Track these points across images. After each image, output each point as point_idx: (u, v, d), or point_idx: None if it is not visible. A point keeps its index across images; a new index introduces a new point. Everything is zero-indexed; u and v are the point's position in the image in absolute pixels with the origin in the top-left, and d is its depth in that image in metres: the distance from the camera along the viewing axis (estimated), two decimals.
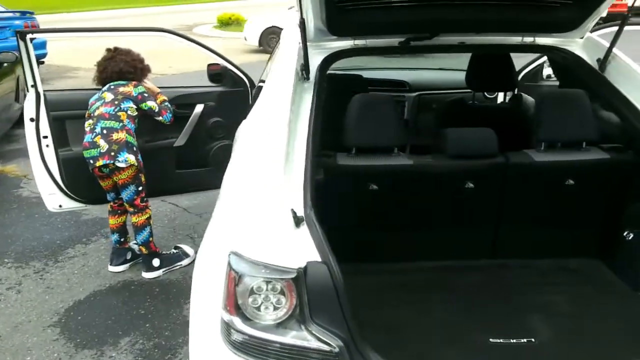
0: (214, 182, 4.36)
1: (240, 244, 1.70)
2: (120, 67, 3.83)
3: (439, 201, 2.40)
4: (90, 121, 3.75)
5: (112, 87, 3.80)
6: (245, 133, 2.47)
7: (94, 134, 3.66)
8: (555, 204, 2.44)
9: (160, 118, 3.87)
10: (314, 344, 1.62)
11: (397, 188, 2.37)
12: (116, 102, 3.72)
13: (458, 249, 2.45)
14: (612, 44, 2.50)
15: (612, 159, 2.40)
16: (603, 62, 2.52)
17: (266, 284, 1.65)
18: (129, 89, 3.77)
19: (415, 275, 2.24)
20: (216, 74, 4.37)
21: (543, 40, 2.69)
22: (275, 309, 1.66)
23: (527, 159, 2.38)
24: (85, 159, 3.71)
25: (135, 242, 4.05)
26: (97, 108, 3.73)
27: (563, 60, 2.67)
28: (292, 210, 1.76)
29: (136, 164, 3.70)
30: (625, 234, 2.37)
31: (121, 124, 3.69)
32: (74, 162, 3.96)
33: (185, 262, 4.13)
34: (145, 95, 3.81)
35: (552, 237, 2.47)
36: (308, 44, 2.56)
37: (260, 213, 1.79)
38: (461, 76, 4.68)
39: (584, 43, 2.70)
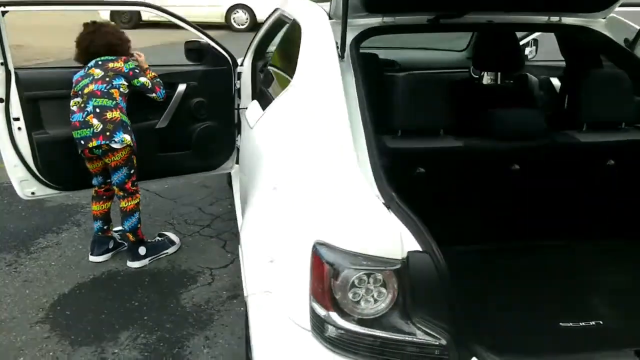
0: (198, 165, 4.24)
1: (333, 236, 1.58)
2: (108, 39, 3.58)
3: (486, 183, 2.36)
4: (79, 99, 3.48)
5: (99, 62, 3.54)
6: (286, 120, 2.29)
7: (85, 112, 3.41)
8: (597, 185, 2.45)
9: (154, 95, 3.65)
10: (420, 337, 1.55)
11: (445, 171, 2.31)
12: (107, 79, 3.47)
13: (506, 231, 2.42)
14: None
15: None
16: (634, 41, 2.54)
17: (367, 276, 1.55)
18: (119, 64, 3.53)
19: (466, 258, 2.19)
20: (195, 51, 4.16)
21: (569, 20, 2.69)
22: (376, 301, 1.57)
23: (572, 139, 2.38)
24: (75, 140, 3.45)
25: (121, 228, 3.82)
26: (86, 85, 3.46)
27: (590, 40, 2.67)
28: (379, 197, 1.67)
29: (132, 144, 3.47)
30: None
31: (114, 102, 3.45)
32: (49, 146, 3.68)
33: (171, 250, 3.94)
34: (137, 71, 3.57)
35: (596, 217, 2.48)
36: (332, 21, 2.45)
37: (347, 202, 1.68)
38: (446, 55, 4.71)
39: (606, 23, 2.72)
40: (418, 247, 1.55)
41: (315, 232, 1.63)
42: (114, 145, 3.41)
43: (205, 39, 4.03)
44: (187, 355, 2.97)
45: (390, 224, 1.55)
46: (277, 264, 1.81)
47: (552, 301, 2.10)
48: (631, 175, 2.43)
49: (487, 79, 4.01)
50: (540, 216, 2.44)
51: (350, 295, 1.55)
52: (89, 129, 3.39)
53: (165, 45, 10.59)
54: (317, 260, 1.60)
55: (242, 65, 4.21)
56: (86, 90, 3.46)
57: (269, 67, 2.95)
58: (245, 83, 4.23)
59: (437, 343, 1.54)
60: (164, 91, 3.71)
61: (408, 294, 1.55)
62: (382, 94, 2.37)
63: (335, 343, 1.58)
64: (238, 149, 4.36)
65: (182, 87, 3.96)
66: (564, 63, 3.67)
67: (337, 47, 2.33)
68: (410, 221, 1.59)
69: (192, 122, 4.08)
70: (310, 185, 1.83)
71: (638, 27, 2.64)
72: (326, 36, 2.34)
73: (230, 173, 4.46)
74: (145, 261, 3.79)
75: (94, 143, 3.39)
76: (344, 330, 1.57)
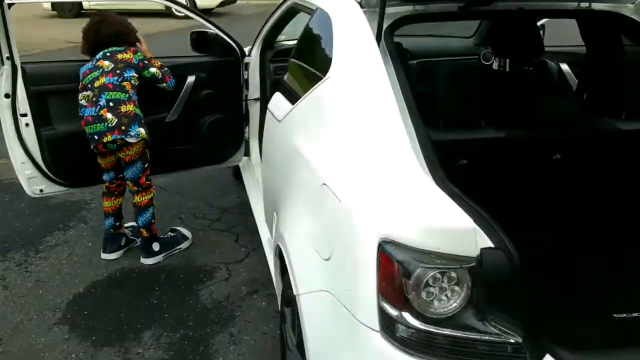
0: (208, 158, 4.16)
1: (403, 233, 1.53)
2: (116, 28, 3.49)
3: (528, 174, 2.33)
4: (88, 93, 3.39)
5: (107, 54, 3.44)
6: (328, 113, 2.21)
7: (98, 106, 3.31)
8: (637, 173, 2.43)
9: (165, 84, 3.58)
10: (494, 336, 1.51)
11: (487, 162, 2.27)
12: (118, 72, 3.37)
13: (548, 221, 2.39)
14: None
15: None
16: None
17: (441, 275, 1.51)
18: (129, 55, 3.43)
19: None
20: (201, 41, 4.07)
21: (598, 5, 2.66)
22: (449, 300, 1.53)
23: (613, 127, 2.35)
24: (88, 135, 3.36)
25: (133, 224, 3.74)
26: (97, 78, 3.37)
27: (620, 26, 2.65)
28: (443, 191, 1.63)
29: (147, 137, 3.39)
30: None
31: (127, 95, 3.36)
32: (57, 142, 3.59)
33: (184, 245, 3.88)
34: (146, 62, 3.49)
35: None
36: (365, 9, 2.39)
37: (414, 198, 1.63)
38: (454, 42, 4.65)
39: (635, 9, 2.69)
40: (490, 244, 1.52)
41: (379, 230, 1.58)
42: (130, 140, 3.33)
43: (213, 29, 3.94)
44: (214, 353, 2.92)
45: (464, 220, 1.51)
46: (334, 263, 1.77)
47: (603, 292, 2.08)
48: None
49: (496, 65, 3.99)
50: (583, 206, 2.41)
51: (423, 294, 1.51)
52: (103, 124, 3.30)
53: None
54: (385, 259, 1.56)
55: (249, 55, 4.13)
56: (97, 84, 3.36)
57: (293, 59, 2.87)
58: (253, 74, 4.16)
59: (512, 341, 1.50)
60: (173, 80, 3.64)
61: (482, 291, 1.51)
62: (417, 84, 2.32)
63: (408, 343, 1.53)
64: (246, 141, 4.30)
65: (191, 79, 3.88)
66: (570, 49, 3.66)
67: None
68: (481, 217, 1.55)
69: (202, 115, 4.01)
70: (367, 180, 1.77)
71: None
72: (363, 26, 2.27)
73: (238, 165, 4.39)
74: (160, 257, 3.72)
75: (109, 138, 3.31)
76: (416, 330, 1.53)
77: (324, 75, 2.30)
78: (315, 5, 2.82)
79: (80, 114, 3.45)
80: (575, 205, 2.41)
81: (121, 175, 3.62)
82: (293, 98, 2.61)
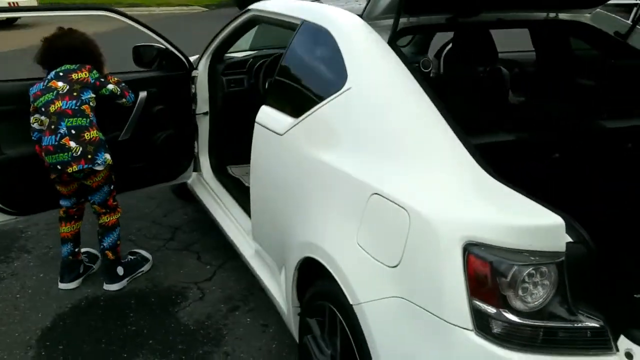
0: (160, 176, 4.02)
1: (493, 235, 1.61)
2: (74, 44, 3.29)
3: (536, 175, 2.47)
4: (43, 118, 3.16)
5: (60, 74, 3.23)
6: (358, 123, 2.22)
7: (58, 135, 3.10)
8: (616, 167, 2.64)
9: (124, 100, 3.44)
10: (583, 323, 1.63)
11: (497, 165, 2.39)
12: (75, 94, 3.18)
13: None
14: (637, 14, 2.79)
15: None
16: (626, 34, 2.80)
17: (535, 271, 1.60)
18: (84, 74, 3.24)
19: None
20: (147, 56, 3.94)
21: (563, 15, 2.90)
22: (541, 293, 1.62)
23: (601, 126, 2.56)
24: (50, 165, 3.14)
25: (89, 249, 3.55)
26: (51, 102, 3.15)
27: (584, 33, 2.90)
28: (511, 190, 1.73)
29: (111, 162, 3.23)
30: None
31: (88, 119, 3.18)
32: (4, 168, 3.32)
33: (146, 267, 3.72)
34: (102, 79, 3.32)
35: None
36: (365, 21, 2.47)
37: (492, 198, 1.72)
38: None
39: (593, 17, 2.96)
40: (569, 238, 1.63)
41: (463, 233, 1.65)
42: (97, 168, 3.17)
43: (163, 42, 3.83)
44: None
45: (553, 217, 1.61)
46: (405, 269, 1.80)
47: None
48: None
49: (434, 72, 4.21)
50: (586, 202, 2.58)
51: (520, 291, 1.60)
52: (66, 153, 3.11)
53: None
54: (475, 261, 1.63)
55: (196, 68, 4.05)
56: (53, 109, 3.15)
57: (283, 72, 2.84)
58: (201, 87, 4.08)
59: (593, 325, 1.62)
60: (132, 94, 3.51)
61: (567, 283, 1.62)
62: None
63: (504, 338, 1.61)
64: (196, 157, 4.21)
65: (143, 95, 3.74)
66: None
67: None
68: (560, 212, 1.66)
69: (155, 131, 3.87)
70: (433, 186, 1.83)
71: (624, 21, 2.90)
72: (374, 37, 2.35)
73: (184, 183, 4.27)
74: (124, 282, 3.55)
75: (75, 168, 3.12)
76: (512, 324, 1.61)
77: (340, 86, 2.33)
78: (299, 18, 2.84)
79: (33, 137, 3.23)
80: (576, 200, 2.60)
81: (82, 200, 3.42)
82: (294, 111, 2.61)
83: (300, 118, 2.53)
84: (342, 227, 2.10)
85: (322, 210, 2.25)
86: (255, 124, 2.87)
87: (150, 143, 3.85)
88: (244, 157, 4.50)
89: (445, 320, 1.68)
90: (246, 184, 4.20)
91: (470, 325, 1.64)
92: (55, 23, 3.53)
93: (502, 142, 2.46)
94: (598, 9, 2.96)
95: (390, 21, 2.53)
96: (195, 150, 4.20)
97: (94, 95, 3.25)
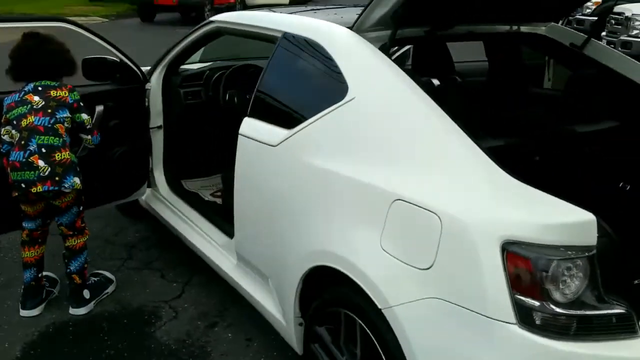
0: (115, 194, 3.88)
1: (532, 233, 1.73)
2: (56, 59, 3.13)
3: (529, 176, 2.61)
4: (13, 131, 3.00)
5: (39, 88, 3.08)
6: (368, 132, 2.28)
7: (27, 151, 2.95)
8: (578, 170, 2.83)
9: (89, 137, 3.31)
10: (611, 310, 1.76)
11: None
12: (49, 111, 3.04)
13: None
14: (594, 30, 3.03)
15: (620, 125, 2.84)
16: (583, 44, 3.03)
17: (572, 264, 1.73)
18: (64, 93, 3.11)
19: None
20: (97, 68, 3.79)
21: (524, 28, 3.10)
22: (577, 285, 1.75)
23: (573, 132, 2.74)
24: (14, 182, 2.97)
25: (48, 274, 3.40)
26: (24, 116, 3.00)
27: (543, 45, 3.12)
28: (534, 189, 1.85)
29: (81, 186, 3.10)
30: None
31: (61, 139, 3.05)
32: None
33: (110, 288, 3.59)
34: (81, 104, 3.20)
35: None
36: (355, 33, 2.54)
37: (523, 199, 1.84)
38: None
39: (548, 30, 3.18)
40: (595, 231, 1.77)
41: (501, 233, 1.75)
42: (65, 190, 3.04)
43: (118, 54, 3.72)
44: None
45: (585, 213, 1.74)
46: (439, 271, 1.88)
47: None
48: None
49: None
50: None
51: (560, 284, 1.72)
52: (33, 172, 2.97)
53: None
54: (514, 258, 1.74)
55: (149, 81, 3.96)
56: (24, 123, 3.00)
57: (265, 85, 2.84)
58: (154, 101, 3.99)
59: (621, 311, 1.77)
60: (99, 137, 3.38)
61: (597, 273, 1.76)
62: None
63: (546, 328, 1.73)
64: (150, 171, 4.10)
65: (100, 109, 3.61)
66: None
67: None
68: (569, 204, 1.80)
69: (111, 147, 3.74)
70: (459, 190, 1.92)
71: (579, 33, 3.15)
72: (371, 48, 2.43)
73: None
74: (91, 305, 3.40)
75: (39, 188, 2.98)
76: (553, 315, 1.73)
77: (340, 97, 2.38)
78: (278, 30, 2.87)
79: (2, 150, 3.06)
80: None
81: (48, 222, 3.26)
82: (286, 123, 2.62)
83: (296, 129, 2.55)
84: (362, 234, 2.15)
85: (335, 218, 2.29)
86: (240, 136, 2.86)
87: (106, 159, 3.72)
88: (199, 170, 4.49)
89: (488, 317, 1.78)
90: (205, 198, 4.17)
91: (513, 318, 1.74)
92: None
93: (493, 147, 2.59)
94: (552, 23, 3.18)
95: (377, 34, 2.62)
96: (150, 166, 4.09)
97: (70, 117, 3.12)
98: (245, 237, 2.96)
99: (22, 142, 2.98)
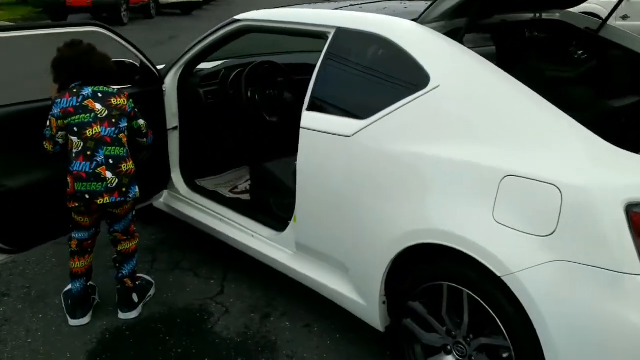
0: (144, 196, 3.84)
1: None
2: (109, 65, 3.08)
3: None
4: (75, 139, 2.94)
5: (99, 94, 3.04)
6: (462, 117, 2.41)
7: (94, 162, 2.93)
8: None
9: (144, 140, 3.34)
10: None
11: None
12: (114, 121, 3.03)
13: None
14: (610, 14, 3.34)
15: None
16: (600, 27, 3.32)
17: None
18: (122, 101, 3.09)
19: None
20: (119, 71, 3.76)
21: (545, 15, 3.37)
22: None
23: (610, 106, 3.03)
24: (77, 192, 2.93)
25: (119, 275, 3.34)
26: (89, 125, 2.96)
27: (562, 29, 3.39)
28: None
29: (139, 195, 3.15)
30: None
31: (125, 149, 3.06)
32: (4, 201, 3.03)
33: (152, 291, 3.59)
34: (137, 110, 3.17)
35: None
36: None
37: (629, 163, 2.08)
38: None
39: (562, 16, 3.46)
40: None
41: (625, 196, 1.98)
42: (128, 200, 3.06)
43: (139, 56, 3.69)
44: None
45: None
46: (562, 235, 2.06)
47: None
48: None
49: None
50: None
51: None
52: (101, 183, 2.94)
53: None
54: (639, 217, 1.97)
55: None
56: (90, 133, 2.96)
57: (326, 78, 2.92)
58: (170, 102, 3.97)
59: None
60: (152, 137, 3.42)
61: None
62: None
63: None
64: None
65: None
66: None
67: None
68: None
69: (139, 150, 3.71)
70: (564, 159, 2.13)
71: (592, 18, 3.45)
72: (444, 38, 2.60)
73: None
74: (140, 308, 3.39)
75: (106, 200, 2.97)
76: None
77: (422, 86, 2.52)
78: (331, 26, 2.97)
79: (52, 151, 3.06)
80: None
81: (99, 230, 3.23)
82: (358, 113, 2.74)
83: (372, 119, 2.67)
84: (470, 209, 2.31)
85: (438, 198, 2.43)
86: (303, 129, 2.94)
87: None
88: (210, 169, 4.49)
89: (616, 271, 1.99)
90: (226, 195, 4.20)
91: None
92: None
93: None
94: (566, 10, 3.47)
95: (439, 24, 2.78)
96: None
97: (127, 125, 3.10)
98: (312, 228, 3.03)
99: (88, 153, 2.94)
